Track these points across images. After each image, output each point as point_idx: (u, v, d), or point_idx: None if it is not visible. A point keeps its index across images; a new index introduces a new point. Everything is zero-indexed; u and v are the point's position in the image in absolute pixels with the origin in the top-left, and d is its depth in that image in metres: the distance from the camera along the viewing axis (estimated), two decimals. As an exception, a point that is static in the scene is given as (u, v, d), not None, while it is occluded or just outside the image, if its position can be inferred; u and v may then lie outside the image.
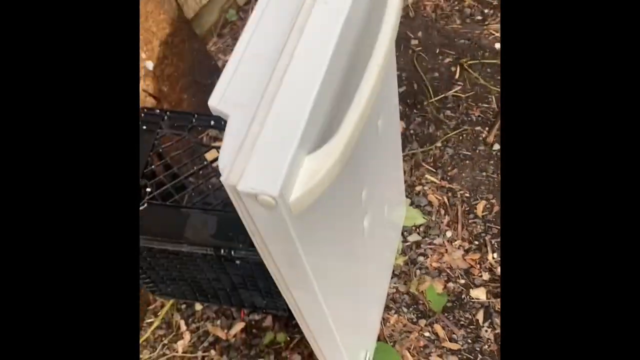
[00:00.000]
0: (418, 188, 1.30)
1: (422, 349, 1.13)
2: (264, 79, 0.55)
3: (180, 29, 1.30)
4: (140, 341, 1.20)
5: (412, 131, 1.38)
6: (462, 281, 1.18)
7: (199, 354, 1.18)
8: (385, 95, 0.81)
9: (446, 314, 1.15)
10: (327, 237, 0.66)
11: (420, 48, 1.54)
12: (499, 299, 1.15)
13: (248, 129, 0.51)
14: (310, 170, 0.50)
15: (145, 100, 1.17)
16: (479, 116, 1.39)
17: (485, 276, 1.18)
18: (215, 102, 0.59)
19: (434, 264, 1.20)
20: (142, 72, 1.17)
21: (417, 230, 1.24)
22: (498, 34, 1.52)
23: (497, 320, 1.13)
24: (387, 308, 1.17)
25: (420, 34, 1.56)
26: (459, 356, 1.11)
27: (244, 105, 0.55)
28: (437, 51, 1.52)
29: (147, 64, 1.18)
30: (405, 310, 1.17)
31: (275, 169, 0.47)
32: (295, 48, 0.56)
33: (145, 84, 1.17)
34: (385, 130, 0.85)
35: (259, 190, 0.46)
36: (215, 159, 0.82)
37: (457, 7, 1.61)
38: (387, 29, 0.60)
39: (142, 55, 1.16)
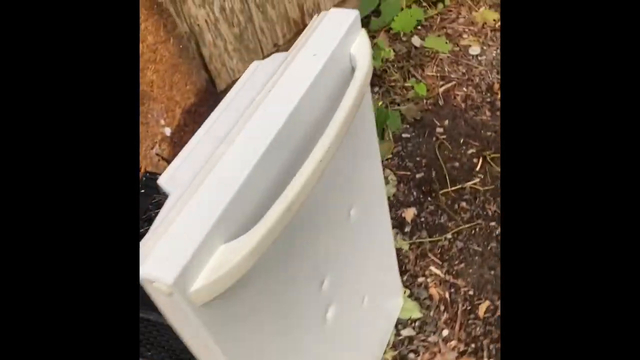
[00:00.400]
0: (420, 279, 1.25)
1: None
2: (204, 163, 0.56)
3: (207, 100, 1.36)
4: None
5: (422, 219, 1.35)
6: (454, 386, 1.10)
7: None
8: (360, 186, 0.80)
9: (432, 420, 1.07)
10: (263, 329, 0.64)
11: (444, 136, 1.53)
12: (491, 412, 1.06)
13: (170, 210, 0.52)
14: (222, 260, 0.49)
15: (158, 164, 1.22)
16: (495, 211, 1.34)
17: (480, 384, 1.10)
18: (164, 180, 0.60)
19: (426, 363, 1.13)
20: (158, 137, 1.22)
21: (413, 324, 1.18)
22: (526, 130, 1.49)
23: None
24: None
25: (447, 122, 1.56)
26: None
27: (183, 186, 0.56)
28: (462, 141, 1.51)
29: (166, 129, 1.24)
30: (389, 409, 1.10)
31: (178, 255, 0.47)
32: (237, 134, 0.57)
33: (160, 148, 1.22)
34: (363, 220, 0.83)
35: (154, 277, 0.46)
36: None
37: (488, 99, 1.60)
38: (335, 125, 0.60)
39: (162, 121, 1.23)
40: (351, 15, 0.66)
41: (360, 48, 0.66)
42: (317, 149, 0.59)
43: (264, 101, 0.59)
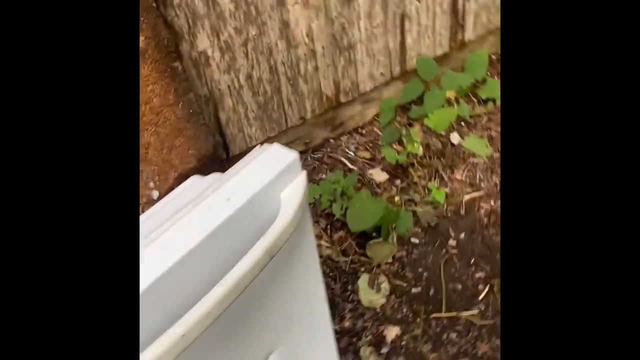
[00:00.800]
0: (382, 413, 1.12)
1: None
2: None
3: (209, 165, 1.32)
4: None
5: (403, 342, 1.23)
6: None
7: None
8: (291, 330, 0.71)
9: None
10: None
11: (455, 250, 1.40)
12: None
13: None
14: None
15: (138, 226, 1.18)
16: (485, 353, 1.19)
17: None
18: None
19: None
20: (143, 200, 1.19)
21: None
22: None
23: None
24: None
25: (462, 235, 1.43)
26: None
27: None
28: (472, 260, 1.38)
29: (154, 192, 1.20)
30: None
31: None
32: (145, 247, 0.51)
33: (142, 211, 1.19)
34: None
35: None
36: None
37: (515, 219, 1.46)
38: (231, 280, 0.52)
39: (151, 184, 1.19)
40: (289, 157, 0.59)
41: (293, 193, 0.59)
42: (207, 299, 0.52)
43: (160, 237, 0.53)
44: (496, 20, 1.84)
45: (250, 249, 0.55)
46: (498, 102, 1.76)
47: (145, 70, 1.12)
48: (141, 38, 1.08)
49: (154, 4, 1.09)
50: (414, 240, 1.43)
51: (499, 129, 1.70)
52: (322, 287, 0.75)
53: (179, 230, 0.53)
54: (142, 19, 1.07)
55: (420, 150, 1.58)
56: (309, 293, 0.72)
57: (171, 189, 1.24)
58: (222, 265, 0.55)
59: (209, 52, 1.30)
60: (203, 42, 1.28)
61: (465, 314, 1.26)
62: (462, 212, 1.49)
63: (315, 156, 1.68)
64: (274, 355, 0.70)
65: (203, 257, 0.53)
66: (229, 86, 1.38)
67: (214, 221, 0.53)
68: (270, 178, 0.57)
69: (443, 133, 1.67)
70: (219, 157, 1.39)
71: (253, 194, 0.55)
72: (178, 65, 1.17)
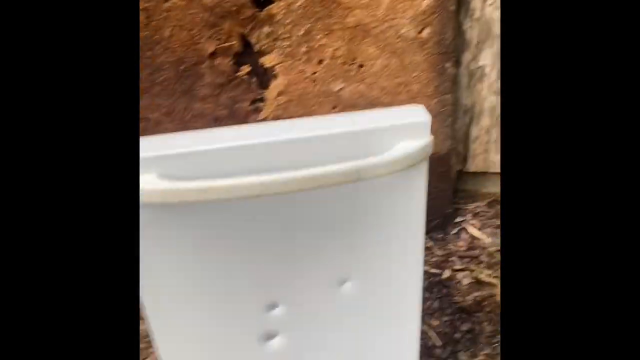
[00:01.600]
0: None
1: None
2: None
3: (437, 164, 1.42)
4: None
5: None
6: None
7: None
8: (360, 255, 0.78)
9: None
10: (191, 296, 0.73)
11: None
12: None
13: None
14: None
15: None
16: None
17: None
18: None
19: None
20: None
21: None
22: None
23: None
24: None
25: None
26: None
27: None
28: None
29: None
30: None
31: None
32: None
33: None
34: (362, 306, 0.82)
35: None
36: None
37: None
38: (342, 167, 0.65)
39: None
40: (424, 117, 0.68)
41: (412, 146, 0.68)
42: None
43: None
44: None
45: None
46: None
47: (419, 57, 1.29)
48: (427, 30, 1.26)
49: (453, 8, 1.25)
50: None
51: None
52: (420, 252, 0.79)
53: (296, 123, 0.69)
54: (435, 15, 1.24)
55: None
56: (406, 247, 0.78)
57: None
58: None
59: (487, 70, 1.39)
60: (486, 58, 1.38)
61: None
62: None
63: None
64: (349, 283, 0.80)
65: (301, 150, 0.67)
66: (492, 107, 1.45)
67: (330, 129, 0.67)
68: (395, 123, 0.68)
69: None
70: (450, 162, 1.49)
71: (375, 127, 0.67)
72: (450, 66, 1.31)
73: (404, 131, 0.69)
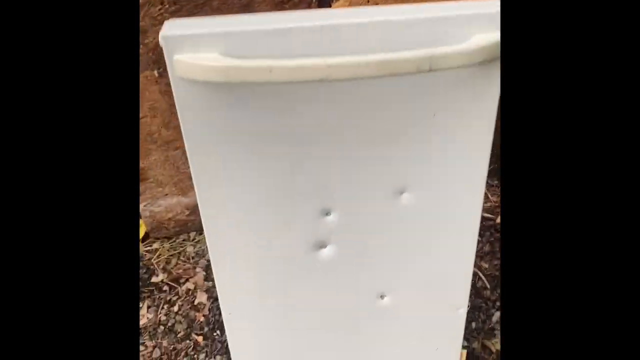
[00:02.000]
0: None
1: None
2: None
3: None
4: None
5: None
6: None
7: None
8: (429, 171, 0.74)
9: None
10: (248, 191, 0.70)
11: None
12: None
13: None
14: (208, 57, 0.62)
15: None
16: None
17: None
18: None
19: None
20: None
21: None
22: None
23: None
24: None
25: None
26: None
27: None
28: None
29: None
30: None
31: (195, 25, 0.61)
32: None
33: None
34: (419, 218, 0.78)
35: (166, 28, 0.62)
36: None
37: None
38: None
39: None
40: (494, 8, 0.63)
41: (486, 40, 0.63)
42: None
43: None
44: None
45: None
46: None
47: None
48: None
49: None
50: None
51: None
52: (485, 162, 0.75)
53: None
54: None
55: None
56: (471, 159, 0.74)
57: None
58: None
59: None
60: None
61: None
62: None
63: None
64: (407, 194, 0.77)
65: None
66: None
67: (404, 14, 0.63)
68: (464, 12, 0.63)
69: None
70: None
71: (449, 14, 0.62)
72: None
73: (480, 23, 0.65)
